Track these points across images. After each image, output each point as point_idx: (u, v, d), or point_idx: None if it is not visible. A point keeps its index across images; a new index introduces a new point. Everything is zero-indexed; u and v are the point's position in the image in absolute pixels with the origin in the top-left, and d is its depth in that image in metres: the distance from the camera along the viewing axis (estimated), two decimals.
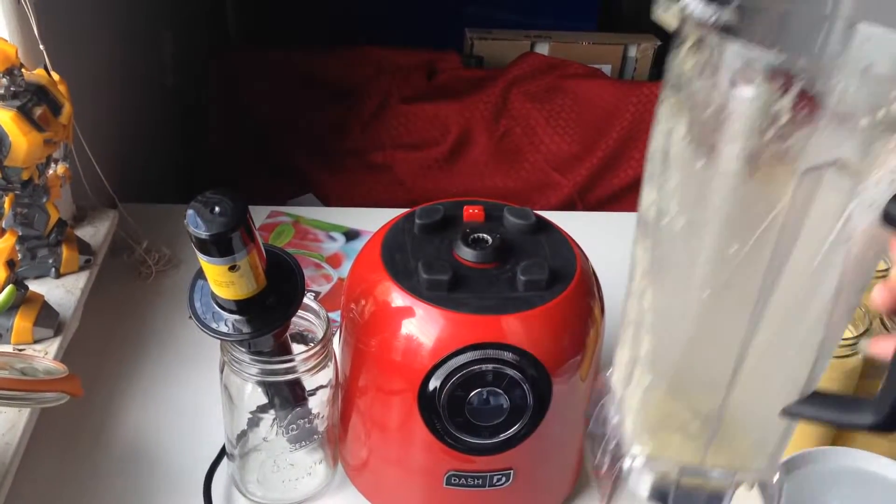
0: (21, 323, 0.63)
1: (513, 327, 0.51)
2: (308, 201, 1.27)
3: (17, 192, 0.65)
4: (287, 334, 0.54)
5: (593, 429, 0.34)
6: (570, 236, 0.58)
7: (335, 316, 0.70)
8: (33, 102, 0.61)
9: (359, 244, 0.86)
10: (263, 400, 0.56)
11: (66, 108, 0.64)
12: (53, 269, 0.71)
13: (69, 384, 0.55)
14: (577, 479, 0.63)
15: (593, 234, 0.65)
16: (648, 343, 0.34)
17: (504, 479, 0.55)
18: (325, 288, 0.80)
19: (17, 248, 0.66)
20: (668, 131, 0.29)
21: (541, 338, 0.51)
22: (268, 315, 0.49)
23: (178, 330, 0.74)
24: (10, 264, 0.63)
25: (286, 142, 1.41)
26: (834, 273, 0.30)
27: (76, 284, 0.71)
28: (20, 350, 0.64)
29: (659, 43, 1.44)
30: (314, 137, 1.39)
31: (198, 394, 0.68)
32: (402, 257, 0.54)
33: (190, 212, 0.44)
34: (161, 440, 0.65)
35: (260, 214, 0.90)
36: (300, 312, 0.56)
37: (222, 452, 0.62)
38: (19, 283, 0.64)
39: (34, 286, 0.67)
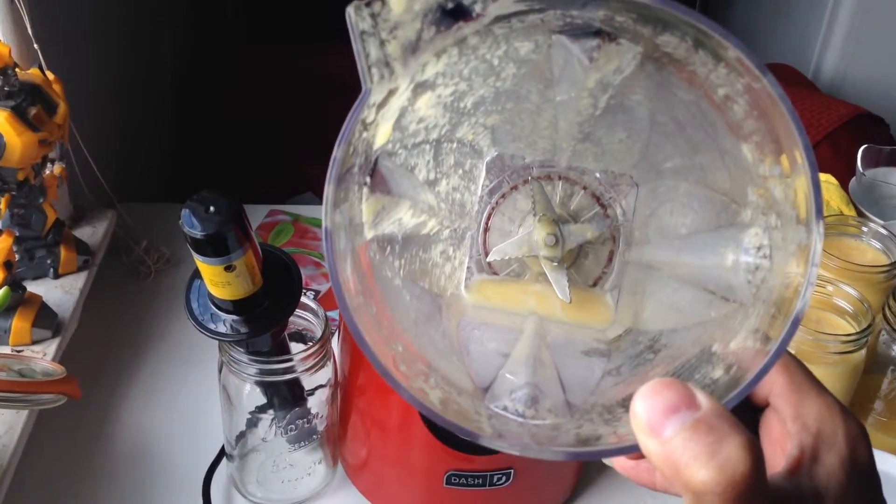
0: (19, 324, 0.63)
1: None
2: (307, 200, 1.26)
3: (14, 193, 0.64)
4: (285, 334, 0.53)
5: None
6: None
7: (334, 315, 0.70)
8: (28, 102, 0.61)
9: None
10: (262, 400, 0.56)
11: (62, 108, 0.64)
12: (52, 270, 0.71)
13: (67, 385, 0.55)
14: (578, 478, 0.63)
15: None
16: None
17: (504, 478, 0.55)
18: (324, 287, 0.80)
19: (15, 249, 0.66)
20: None
21: None
22: (265, 315, 0.49)
23: (177, 330, 0.74)
24: (7, 265, 0.63)
25: (285, 140, 1.41)
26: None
27: (74, 285, 0.71)
28: (18, 351, 0.64)
29: None
30: (314, 135, 1.39)
31: (197, 394, 0.68)
32: None
33: (185, 211, 0.43)
34: (160, 441, 0.65)
35: (259, 213, 0.89)
36: (299, 312, 0.56)
37: (221, 453, 0.62)
38: (16, 285, 0.64)
39: (32, 287, 0.67)
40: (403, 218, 0.31)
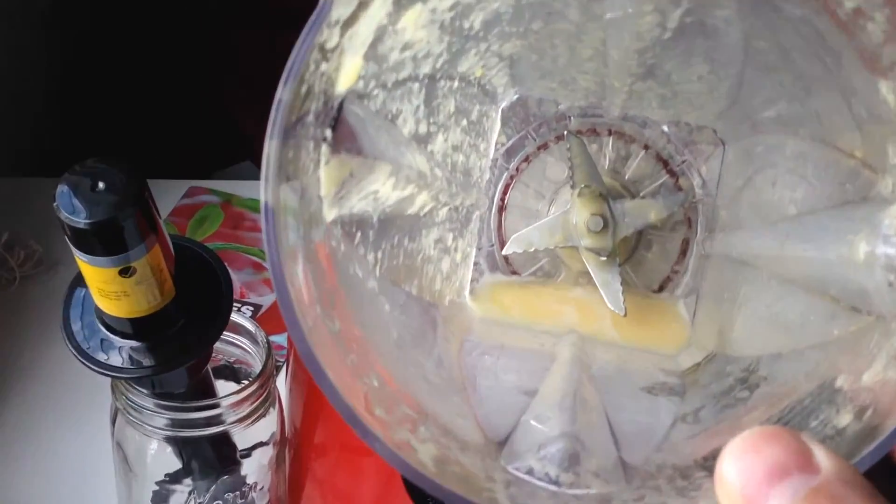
0: None
1: None
2: (243, 172, 1.27)
3: None
4: (209, 368, 0.54)
5: None
6: None
7: (280, 340, 0.70)
8: None
9: None
10: (176, 464, 0.56)
11: None
12: None
13: None
14: None
15: None
16: None
17: None
18: (267, 300, 0.80)
19: None
20: None
21: None
22: (179, 340, 0.49)
23: (52, 360, 0.75)
24: None
25: (211, 86, 1.41)
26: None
27: None
28: None
29: None
30: (255, 82, 1.39)
31: (82, 453, 0.68)
32: None
33: (62, 188, 0.43)
34: None
35: (173, 192, 0.90)
36: (228, 335, 0.56)
37: None
38: None
39: None
40: (381, 190, 0.31)
